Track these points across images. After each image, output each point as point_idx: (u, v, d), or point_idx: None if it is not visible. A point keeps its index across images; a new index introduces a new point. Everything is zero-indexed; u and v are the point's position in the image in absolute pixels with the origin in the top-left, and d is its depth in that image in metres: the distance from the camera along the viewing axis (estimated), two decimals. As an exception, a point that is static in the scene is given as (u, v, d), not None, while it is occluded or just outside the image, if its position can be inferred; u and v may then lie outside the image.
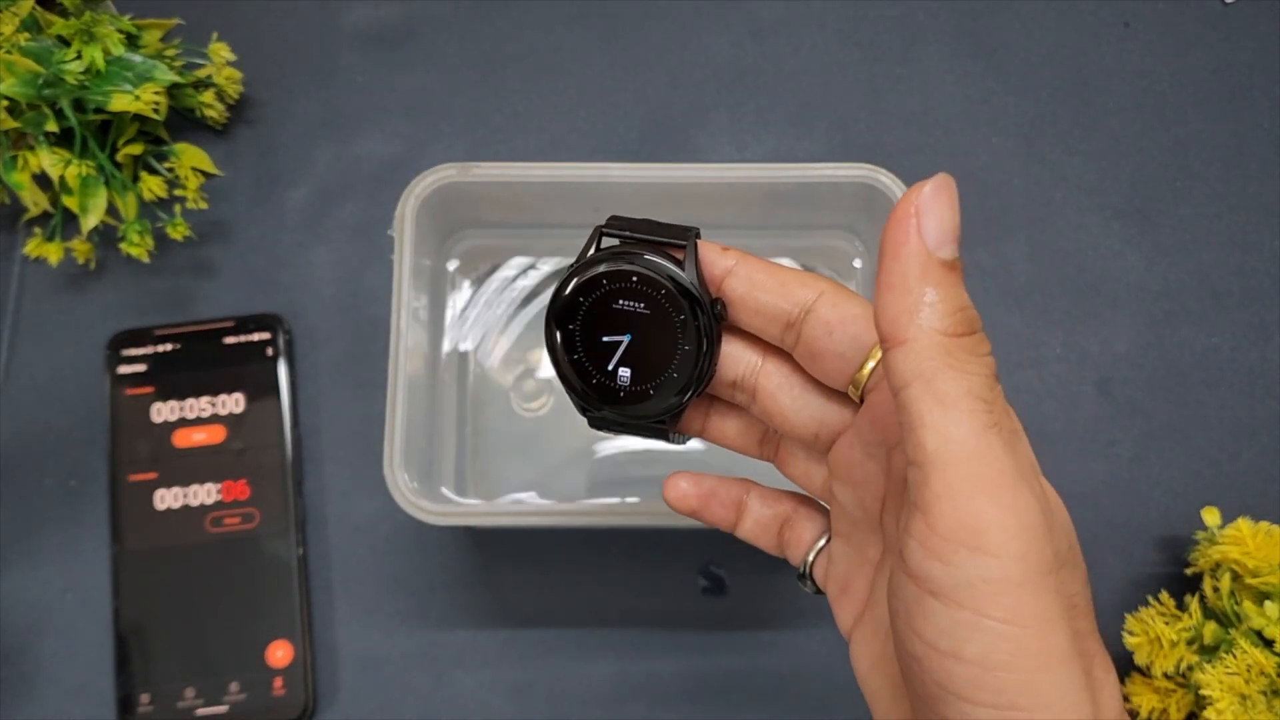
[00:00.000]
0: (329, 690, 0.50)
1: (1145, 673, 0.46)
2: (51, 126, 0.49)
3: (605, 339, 0.28)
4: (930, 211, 0.22)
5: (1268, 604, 0.42)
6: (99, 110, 0.50)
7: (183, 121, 0.56)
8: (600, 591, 0.51)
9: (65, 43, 0.49)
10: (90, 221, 0.50)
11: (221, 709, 0.48)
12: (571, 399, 0.29)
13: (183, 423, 0.52)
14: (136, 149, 0.52)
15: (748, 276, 0.27)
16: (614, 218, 0.28)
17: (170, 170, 0.53)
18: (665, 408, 0.28)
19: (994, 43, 0.57)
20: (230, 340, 0.53)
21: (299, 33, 0.58)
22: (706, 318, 0.27)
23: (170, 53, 0.53)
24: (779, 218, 0.50)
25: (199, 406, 0.52)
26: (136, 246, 0.51)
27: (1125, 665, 0.46)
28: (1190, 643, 0.44)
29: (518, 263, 0.52)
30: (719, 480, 0.31)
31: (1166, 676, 0.45)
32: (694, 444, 0.50)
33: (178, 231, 0.52)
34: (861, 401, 0.26)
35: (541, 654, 0.50)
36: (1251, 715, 0.41)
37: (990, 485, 0.21)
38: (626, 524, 0.45)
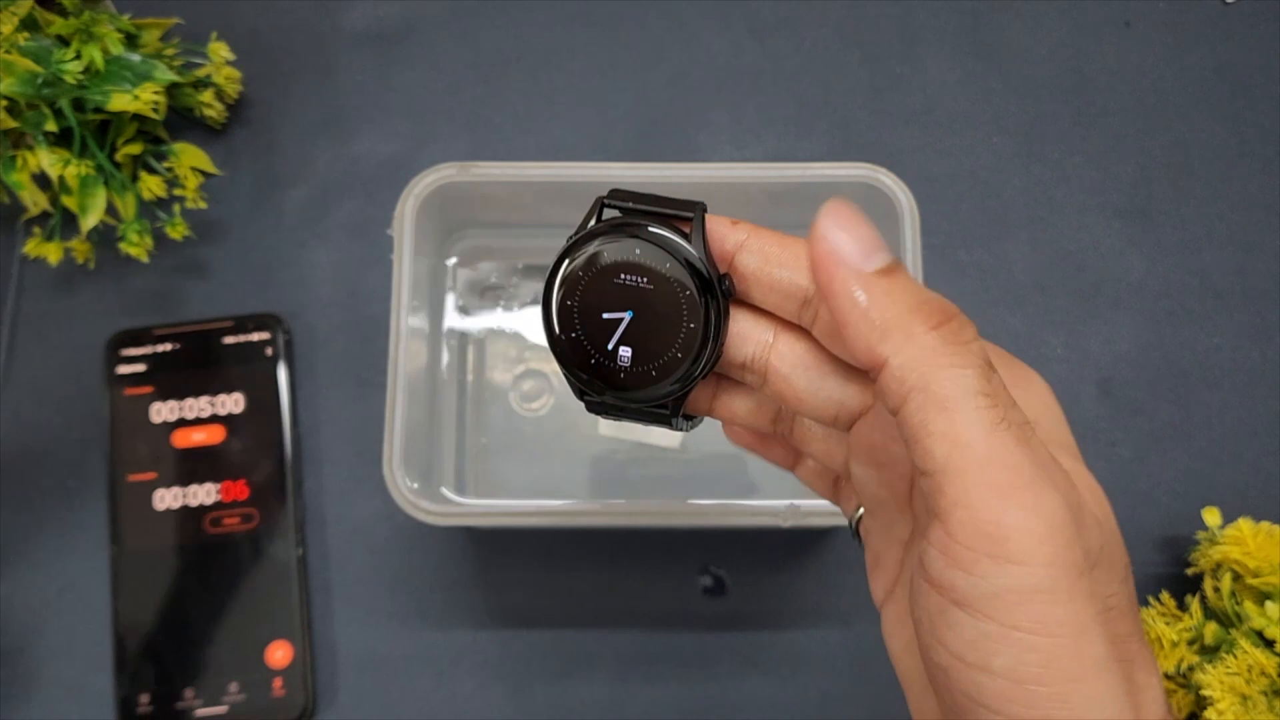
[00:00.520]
0: (328, 690, 0.50)
1: (1146, 673, 0.46)
2: (51, 126, 0.49)
3: (605, 315, 0.26)
4: (838, 234, 0.22)
5: (1268, 604, 0.42)
6: (98, 110, 0.50)
7: (182, 121, 0.56)
8: (600, 592, 0.51)
9: (64, 42, 0.49)
10: (89, 221, 0.50)
11: (221, 709, 0.48)
12: (568, 381, 0.27)
13: (182, 423, 0.51)
14: (135, 148, 0.52)
15: (761, 250, 0.25)
16: (616, 190, 0.27)
17: (169, 170, 0.53)
18: (668, 391, 0.26)
19: (994, 42, 0.57)
20: (229, 340, 0.52)
21: (298, 32, 0.58)
22: (714, 294, 0.25)
23: (169, 52, 0.53)
24: (779, 218, 0.50)
25: (198, 406, 0.52)
26: (135, 246, 0.51)
27: (1126, 666, 0.46)
28: (1191, 643, 0.44)
29: (517, 263, 0.52)
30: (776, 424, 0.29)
31: (1167, 677, 0.45)
32: (697, 448, 0.50)
33: (177, 231, 0.52)
34: None
35: (541, 654, 0.50)
36: (1252, 715, 0.41)
37: (1008, 487, 0.20)
38: (626, 524, 0.45)
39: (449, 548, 0.51)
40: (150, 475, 0.51)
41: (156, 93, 0.50)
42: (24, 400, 0.53)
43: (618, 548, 0.51)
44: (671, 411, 0.27)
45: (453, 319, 0.52)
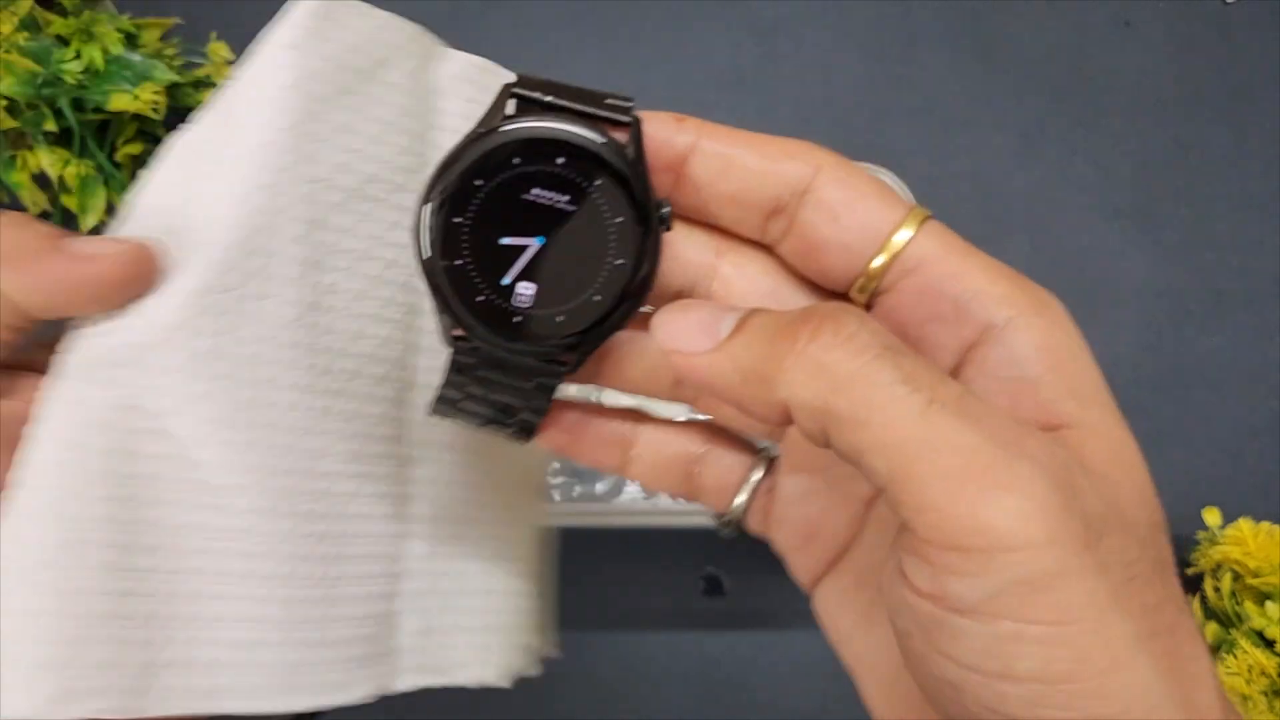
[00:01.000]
0: (328, 691, 0.50)
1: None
2: (50, 126, 0.49)
3: (505, 241, 0.20)
4: (673, 329, 0.19)
5: (1269, 604, 0.42)
6: (98, 110, 0.50)
7: (182, 121, 0.56)
8: (600, 592, 0.51)
9: (64, 42, 0.49)
10: (89, 221, 0.50)
11: (221, 710, 0.48)
12: (438, 321, 0.21)
13: (182, 423, 0.51)
14: (135, 149, 0.52)
15: (718, 153, 0.20)
16: (528, 77, 0.21)
17: (169, 170, 0.53)
18: (571, 343, 0.21)
19: (994, 42, 0.57)
20: (229, 340, 0.52)
21: (298, 32, 0.58)
22: (649, 225, 0.20)
23: (169, 52, 0.53)
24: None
25: (198, 406, 0.52)
26: (135, 246, 0.51)
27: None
28: (1191, 643, 0.44)
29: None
30: (596, 410, 0.24)
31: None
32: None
33: (177, 231, 0.52)
34: (869, 307, 0.21)
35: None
36: (1252, 715, 0.41)
37: (968, 471, 0.17)
38: (627, 524, 0.45)
39: (449, 548, 0.51)
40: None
41: (156, 93, 0.50)
42: (24, 400, 0.53)
43: (618, 548, 0.51)
44: (569, 368, 0.21)
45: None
